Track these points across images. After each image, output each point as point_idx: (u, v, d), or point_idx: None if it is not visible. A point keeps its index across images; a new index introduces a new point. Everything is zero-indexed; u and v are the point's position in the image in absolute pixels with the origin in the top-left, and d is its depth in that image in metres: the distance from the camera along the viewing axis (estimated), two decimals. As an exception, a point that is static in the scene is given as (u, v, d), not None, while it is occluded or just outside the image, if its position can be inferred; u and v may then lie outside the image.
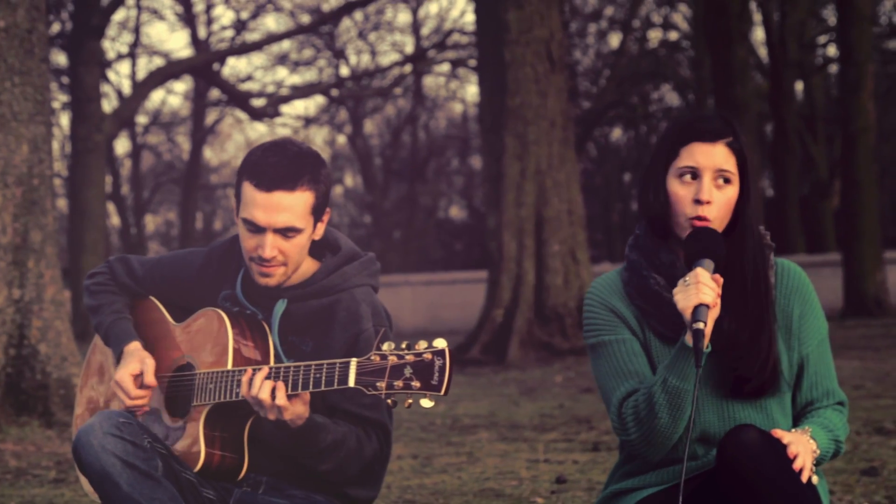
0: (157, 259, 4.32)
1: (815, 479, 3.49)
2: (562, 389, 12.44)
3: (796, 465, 3.42)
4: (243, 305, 4.07)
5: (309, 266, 4.10)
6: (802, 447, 3.48)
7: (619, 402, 3.62)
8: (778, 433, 3.48)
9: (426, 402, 3.49)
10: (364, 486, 4.08)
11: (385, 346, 3.55)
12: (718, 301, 3.50)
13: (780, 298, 3.72)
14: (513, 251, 16.71)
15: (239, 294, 4.09)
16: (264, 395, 3.71)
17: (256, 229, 3.93)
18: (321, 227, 4.04)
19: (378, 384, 3.51)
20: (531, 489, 6.53)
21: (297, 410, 3.75)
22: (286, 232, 3.92)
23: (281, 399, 3.70)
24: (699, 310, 3.45)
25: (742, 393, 3.63)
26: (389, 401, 3.53)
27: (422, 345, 3.52)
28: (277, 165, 3.91)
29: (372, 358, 3.55)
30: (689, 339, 3.47)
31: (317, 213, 3.98)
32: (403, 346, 3.53)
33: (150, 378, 4.06)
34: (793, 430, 3.61)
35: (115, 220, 42.78)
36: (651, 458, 3.64)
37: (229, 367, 3.91)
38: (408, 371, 3.49)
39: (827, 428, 3.65)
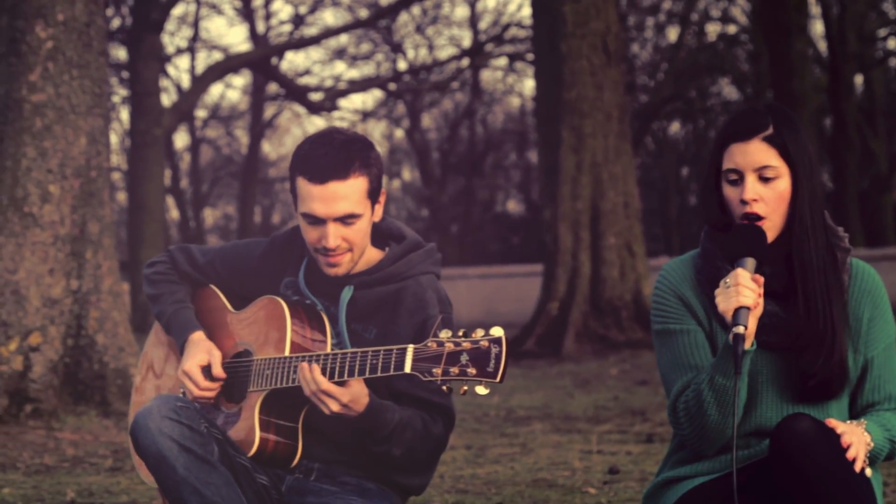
0: (219, 248, 4.36)
1: (868, 471, 3.45)
2: (617, 382, 12.41)
3: (849, 455, 3.39)
4: (304, 295, 4.10)
5: (373, 255, 4.13)
6: (856, 438, 3.44)
7: (675, 397, 3.61)
8: (832, 423, 3.44)
9: (481, 389, 3.50)
10: (418, 474, 4.10)
11: (442, 334, 3.56)
12: (760, 301, 3.46)
13: (851, 300, 3.69)
14: (568, 244, 16.67)
15: (301, 283, 4.12)
16: (324, 384, 3.73)
17: (317, 221, 3.96)
18: (379, 209, 4.08)
19: (434, 370, 3.53)
20: (583, 479, 6.52)
21: (353, 392, 3.76)
22: (346, 219, 3.95)
23: (324, 384, 3.72)
24: (739, 313, 3.42)
25: (807, 391, 3.58)
26: (445, 387, 3.55)
27: (479, 333, 3.53)
28: (326, 156, 3.94)
29: (429, 344, 3.57)
30: (732, 340, 3.45)
31: (373, 196, 4.02)
32: (460, 333, 3.55)
33: (217, 370, 4.10)
34: (848, 422, 3.56)
35: (174, 213, 43.09)
36: (705, 452, 3.63)
37: (287, 354, 3.94)
38: (464, 358, 3.50)
39: (884, 426, 3.60)
